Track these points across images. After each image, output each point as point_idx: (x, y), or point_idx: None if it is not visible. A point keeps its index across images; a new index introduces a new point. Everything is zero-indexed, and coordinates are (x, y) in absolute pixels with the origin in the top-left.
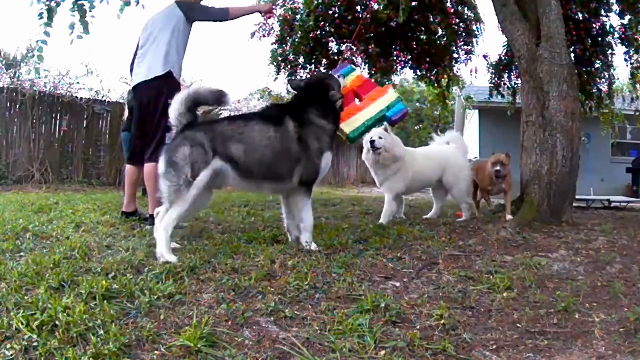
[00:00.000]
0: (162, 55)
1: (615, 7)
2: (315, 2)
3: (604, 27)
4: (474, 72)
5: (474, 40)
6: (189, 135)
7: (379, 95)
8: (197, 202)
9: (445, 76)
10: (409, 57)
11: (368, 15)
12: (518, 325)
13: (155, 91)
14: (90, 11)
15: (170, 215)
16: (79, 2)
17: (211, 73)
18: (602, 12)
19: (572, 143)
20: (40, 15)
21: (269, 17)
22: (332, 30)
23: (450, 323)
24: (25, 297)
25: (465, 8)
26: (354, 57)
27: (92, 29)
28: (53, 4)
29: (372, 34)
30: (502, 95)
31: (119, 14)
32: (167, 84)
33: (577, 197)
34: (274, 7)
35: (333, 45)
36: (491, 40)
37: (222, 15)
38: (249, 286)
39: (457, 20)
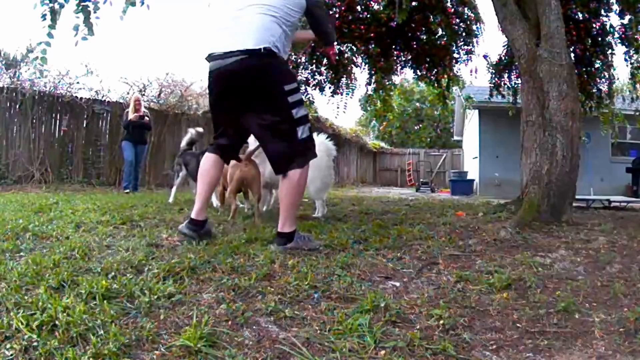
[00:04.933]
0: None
1: (615, 7)
2: None
3: (604, 27)
4: (474, 72)
5: (474, 40)
6: None
7: None
8: None
9: (445, 76)
10: (409, 57)
11: None
12: (518, 325)
13: (267, 66)
14: (94, 12)
15: None
16: (83, 4)
17: None
18: (602, 12)
19: (572, 143)
20: (44, 16)
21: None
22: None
23: (450, 323)
24: (25, 297)
25: (465, 8)
26: (354, 57)
27: (95, 29)
28: (57, 5)
29: (372, 34)
30: (502, 95)
31: (121, 15)
32: (277, 62)
33: (577, 197)
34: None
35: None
36: (491, 40)
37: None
38: (249, 286)
39: (457, 20)
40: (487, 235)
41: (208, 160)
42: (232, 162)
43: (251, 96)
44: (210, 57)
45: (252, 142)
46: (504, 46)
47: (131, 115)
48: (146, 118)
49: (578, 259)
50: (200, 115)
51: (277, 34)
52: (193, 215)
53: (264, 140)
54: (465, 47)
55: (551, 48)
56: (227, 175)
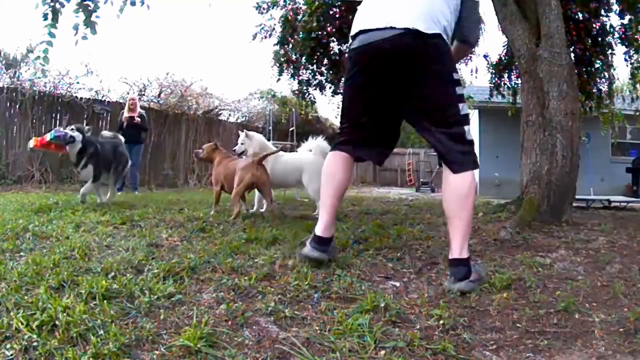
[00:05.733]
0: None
1: (615, 7)
2: (317, 2)
3: (604, 27)
4: (474, 72)
5: None
6: None
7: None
8: None
9: None
10: None
11: None
12: (518, 325)
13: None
14: (95, 12)
15: None
16: (84, 3)
17: (212, 73)
18: (602, 12)
19: (572, 143)
20: (45, 16)
21: None
22: (334, 30)
23: (450, 323)
24: (25, 297)
25: None
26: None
27: (95, 29)
28: (58, 5)
29: None
30: (502, 95)
31: (118, 13)
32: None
33: (577, 197)
34: None
35: (334, 46)
36: (491, 40)
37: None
38: (249, 286)
39: None
40: (487, 235)
41: (333, 161)
42: (242, 164)
43: (410, 84)
44: (360, 32)
45: (257, 143)
46: (504, 46)
47: (125, 116)
48: (137, 119)
49: (578, 259)
50: (200, 115)
51: (447, 14)
52: (318, 232)
53: (433, 140)
54: None
55: (551, 48)
56: (236, 177)
